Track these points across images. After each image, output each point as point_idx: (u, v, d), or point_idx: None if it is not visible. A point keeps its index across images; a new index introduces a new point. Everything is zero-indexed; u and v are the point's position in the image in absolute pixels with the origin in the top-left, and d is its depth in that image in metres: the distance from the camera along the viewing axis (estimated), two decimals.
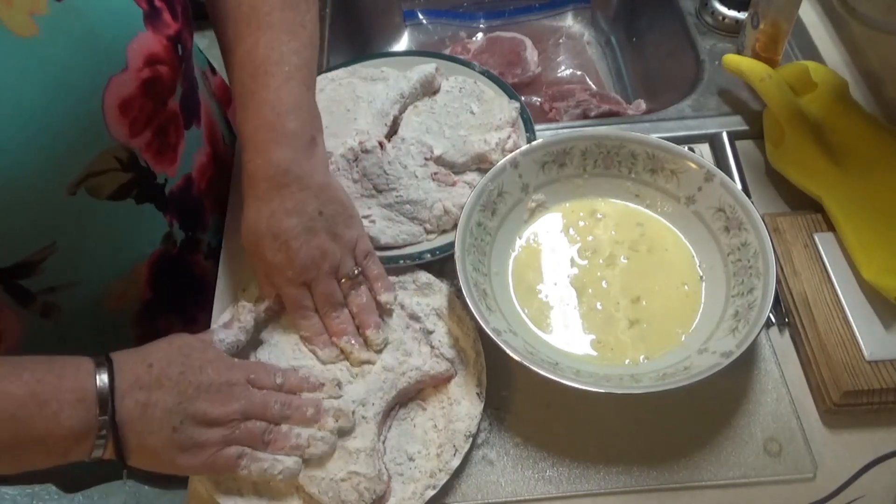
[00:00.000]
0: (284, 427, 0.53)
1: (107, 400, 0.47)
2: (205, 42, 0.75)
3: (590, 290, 0.63)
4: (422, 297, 0.63)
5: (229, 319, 0.59)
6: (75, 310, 0.59)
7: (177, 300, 0.69)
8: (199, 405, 0.50)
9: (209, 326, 0.71)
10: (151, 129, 0.57)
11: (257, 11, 0.59)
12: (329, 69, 0.79)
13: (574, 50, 1.08)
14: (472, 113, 0.73)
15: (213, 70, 0.81)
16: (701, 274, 0.64)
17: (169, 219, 0.63)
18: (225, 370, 0.53)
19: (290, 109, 0.57)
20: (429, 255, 0.64)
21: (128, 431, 0.48)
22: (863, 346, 0.57)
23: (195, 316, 0.71)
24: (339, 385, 0.56)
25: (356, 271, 0.60)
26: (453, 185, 0.68)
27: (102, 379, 0.48)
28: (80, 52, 0.48)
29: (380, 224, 0.65)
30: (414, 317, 0.62)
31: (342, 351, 0.59)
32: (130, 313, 0.64)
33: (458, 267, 0.58)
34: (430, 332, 0.60)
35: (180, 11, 0.57)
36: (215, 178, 0.71)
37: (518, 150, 0.66)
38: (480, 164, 0.69)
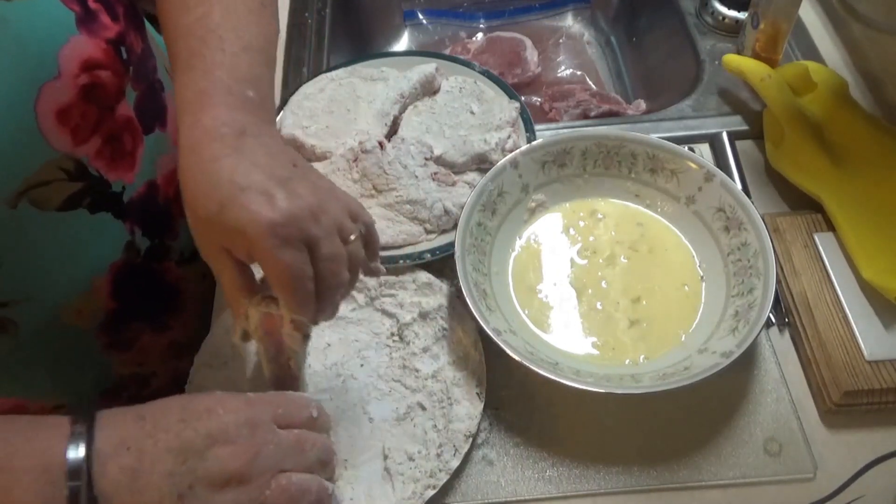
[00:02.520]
0: (330, 486, 0.45)
1: (80, 468, 0.38)
2: None
3: (590, 291, 0.63)
4: (422, 296, 0.63)
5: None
6: (34, 324, 0.56)
7: (144, 308, 0.66)
8: (213, 459, 0.40)
9: (184, 333, 0.70)
10: (100, 137, 0.54)
11: None
12: (329, 69, 0.79)
13: (574, 50, 1.08)
14: (472, 113, 0.73)
15: None
16: (701, 274, 0.64)
17: (129, 227, 0.60)
18: (242, 407, 0.43)
19: (249, 80, 0.47)
20: (429, 255, 0.64)
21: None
22: (863, 346, 0.57)
23: (167, 322, 0.69)
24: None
25: (360, 231, 0.47)
26: (453, 185, 0.68)
27: (78, 441, 0.38)
28: (6, 60, 0.46)
29: (380, 224, 0.65)
30: (423, 314, 0.62)
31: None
32: (94, 323, 0.61)
33: (458, 267, 0.58)
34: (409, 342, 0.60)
35: (122, 13, 0.54)
36: None
37: (518, 150, 0.66)
38: (480, 164, 0.70)
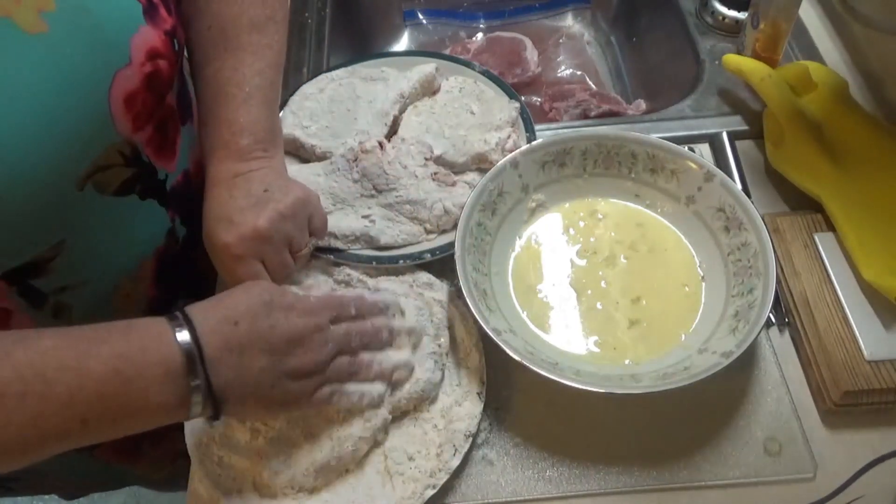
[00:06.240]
0: (366, 356, 0.55)
1: (196, 367, 0.46)
2: None
3: (589, 291, 0.63)
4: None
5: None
6: (86, 308, 0.59)
7: (180, 295, 0.69)
8: (293, 361, 0.50)
9: None
10: (152, 124, 0.57)
11: (225, 34, 0.61)
12: (329, 69, 0.79)
13: (574, 50, 1.08)
14: (472, 113, 0.73)
15: None
16: (701, 274, 0.64)
17: (171, 214, 0.64)
18: (310, 314, 0.53)
19: (245, 128, 0.59)
20: (429, 255, 0.64)
21: (227, 394, 0.48)
22: (863, 346, 0.57)
23: None
24: (402, 311, 0.59)
25: (311, 244, 0.60)
26: (453, 185, 0.68)
27: (187, 346, 0.46)
28: (87, 47, 0.49)
29: (380, 224, 0.65)
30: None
31: None
32: (137, 310, 0.64)
33: (458, 267, 0.58)
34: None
35: (174, 7, 0.58)
36: None
37: (518, 150, 0.66)
38: (480, 164, 0.69)
